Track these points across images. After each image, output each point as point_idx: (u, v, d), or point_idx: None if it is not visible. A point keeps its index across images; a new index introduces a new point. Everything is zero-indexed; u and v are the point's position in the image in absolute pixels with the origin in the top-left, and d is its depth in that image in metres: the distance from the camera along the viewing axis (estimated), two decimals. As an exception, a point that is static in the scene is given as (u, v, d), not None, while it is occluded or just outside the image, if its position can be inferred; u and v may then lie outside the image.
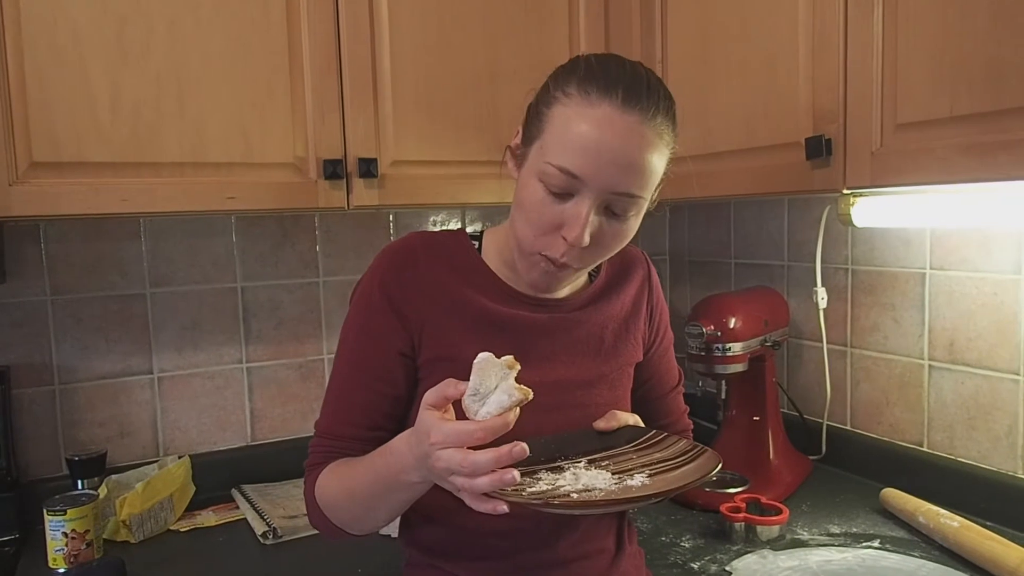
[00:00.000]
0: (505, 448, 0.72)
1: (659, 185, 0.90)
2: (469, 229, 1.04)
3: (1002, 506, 1.30)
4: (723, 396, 1.54)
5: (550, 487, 0.81)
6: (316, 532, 1.00)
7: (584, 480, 0.83)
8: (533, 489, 0.80)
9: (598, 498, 0.78)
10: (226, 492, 1.56)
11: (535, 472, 0.84)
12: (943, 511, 1.26)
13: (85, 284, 1.49)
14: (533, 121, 0.89)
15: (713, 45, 1.37)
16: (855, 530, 1.31)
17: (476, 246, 1.00)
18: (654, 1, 1.50)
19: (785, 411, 1.67)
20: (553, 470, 0.86)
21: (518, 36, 1.45)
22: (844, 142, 1.12)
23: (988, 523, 1.26)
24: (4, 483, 1.35)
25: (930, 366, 1.45)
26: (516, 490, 0.78)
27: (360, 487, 0.88)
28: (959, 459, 1.40)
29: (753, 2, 1.28)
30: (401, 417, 0.96)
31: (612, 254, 0.91)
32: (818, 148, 1.14)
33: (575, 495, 0.79)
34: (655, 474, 0.84)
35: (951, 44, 0.97)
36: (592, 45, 1.52)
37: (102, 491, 1.35)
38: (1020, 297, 1.30)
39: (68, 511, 1.22)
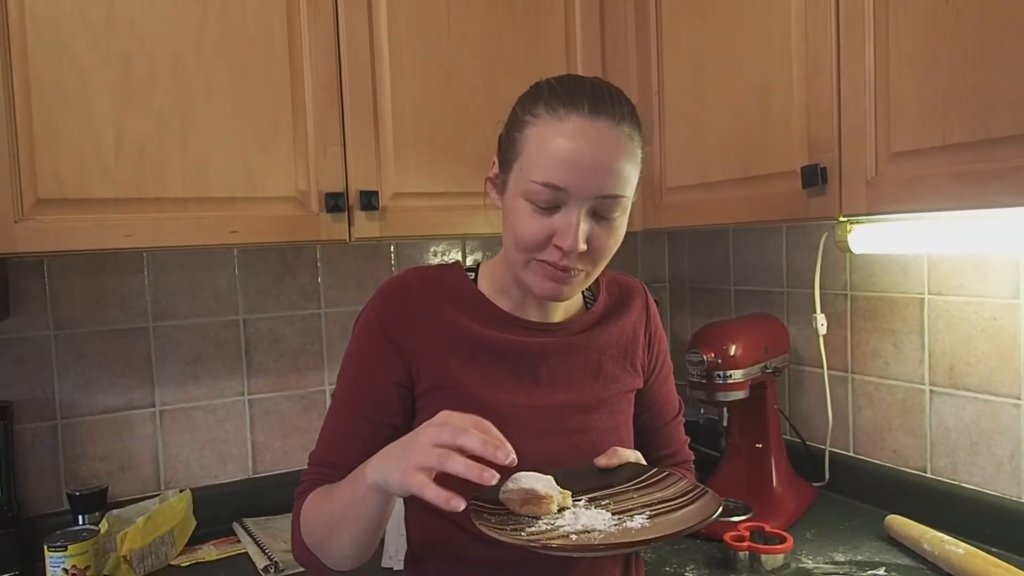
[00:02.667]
0: (498, 442, 0.73)
1: (637, 185, 0.93)
2: (469, 261, 1.06)
3: (1007, 532, 1.30)
4: (725, 424, 1.54)
5: (549, 527, 0.81)
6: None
7: (584, 520, 0.82)
8: (532, 528, 0.80)
9: (596, 542, 0.77)
10: (227, 526, 1.55)
11: None
12: (948, 538, 1.25)
13: (88, 319, 1.50)
14: (507, 148, 0.92)
15: (708, 76, 1.40)
16: (860, 558, 1.30)
17: (472, 277, 1.02)
18: (649, 34, 1.53)
19: (787, 438, 1.67)
20: None
21: (516, 71, 1.47)
22: (839, 170, 1.14)
23: (993, 549, 1.25)
24: (5, 519, 1.35)
25: (931, 391, 1.45)
26: (515, 530, 0.79)
27: (331, 505, 0.88)
28: (963, 485, 1.40)
29: (746, 33, 1.30)
30: None
31: (611, 254, 0.92)
32: (814, 177, 1.15)
33: (574, 536, 0.78)
34: (656, 515, 0.83)
35: (941, 74, 0.99)
36: (589, 78, 1.55)
37: (103, 526, 1.34)
38: (1019, 321, 1.30)
39: (69, 547, 1.22)
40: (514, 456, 0.73)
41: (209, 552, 1.44)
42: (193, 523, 1.49)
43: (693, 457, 1.14)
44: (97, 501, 1.42)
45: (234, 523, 1.56)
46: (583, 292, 1.06)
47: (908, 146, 1.04)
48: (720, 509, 0.82)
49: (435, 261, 1.80)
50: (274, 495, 1.62)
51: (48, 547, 1.22)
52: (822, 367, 1.63)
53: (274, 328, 1.66)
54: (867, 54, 1.09)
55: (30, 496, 1.45)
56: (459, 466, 0.72)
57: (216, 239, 1.26)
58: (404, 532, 1.04)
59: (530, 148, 0.88)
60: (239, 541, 1.48)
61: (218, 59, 1.25)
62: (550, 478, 0.85)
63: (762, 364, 1.52)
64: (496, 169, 0.96)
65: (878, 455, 1.56)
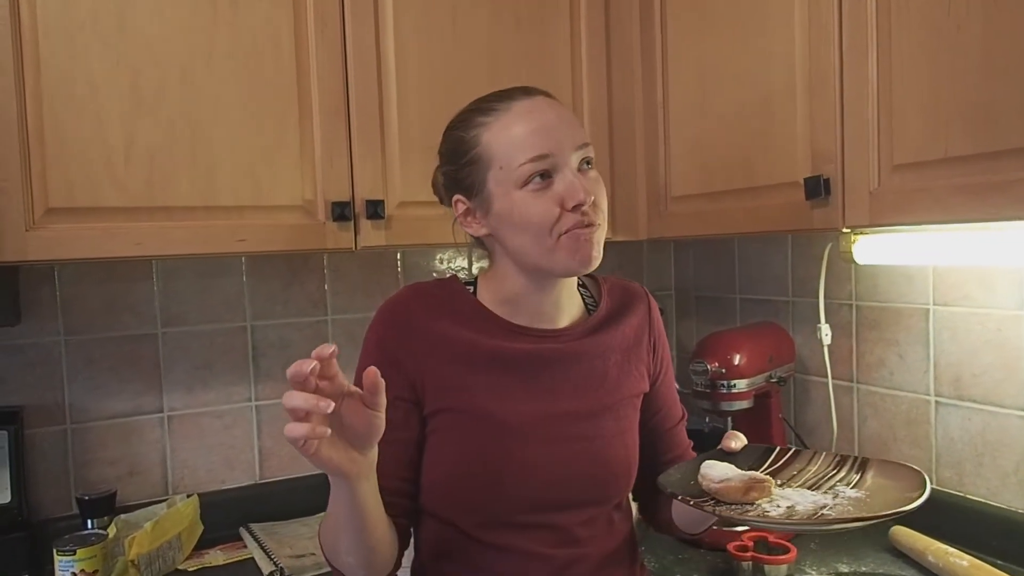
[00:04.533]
0: (319, 350, 0.75)
1: None
2: (475, 269, 1.07)
3: (1012, 544, 1.29)
4: (729, 433, 1.54)
5: (774, 509, 0.83)
6: (322, 572, 1.00)
7: (788, 500, 0.85)
8: (756, 512, 0.83)
9: (836, 515, 0.81)
10: (234, 531, 1.56)
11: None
12: (952, 550, 1.25)
13: (98, 325, 1.51)
14: (467, 173, 0.96)
15: (711, 87, 1.40)
16: (864, 569, 1.30)
17: (472, 291, 1.03)
18: (655, 46, 1.54)
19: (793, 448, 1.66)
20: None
21: (522, 82, 1.44)
22: (842, 182, 1.14)
23: (998, 562, 1.25)
24: (15, 522, 1.36)
25: (936, 402, 1.44)
26: (752, 514, 0.83)
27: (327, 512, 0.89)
28: (968, 496, 1.39)
29: (750, 45, 1.31)
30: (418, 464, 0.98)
31: (606, 206, 0.96)
32: (817, 188, 1.16)
33: (798, 515, 0.82)
34: (832, 488, 0.89)
35: (944, 86, 0.99)
36: (595, 91, 1.56)
37: (111, 530, 1.36)
38: (1024, 333, 1.30)
39: (78, 551, 1.23)
40: (328, 351, 0.75)
41: (216, 557, 1.45)
42: (200, 528, 1.50)
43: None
44: (106, 506, 1.44)
45: (241, 528, 1.57)
46: (584, 298, 1.08)
47: (911, 158, 1.04)
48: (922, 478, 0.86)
49: (441, 268, 1.81)
50: (281, 501, 1.63)
51: (57, 551, 1.23)
52: (827, 377, 1.63)
53: (282, 335, 1.67)
54: (870, 66, 1.09)
55: (40, 500, 1.47)
56: (299, 413, 0.74)
57: (224, 247, 1.28)
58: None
59: (497, 147, 0.93)
60: (246, 547, 1.49)
61: (227, 69, 1.26)
62: (731, 465, 0.90)
63: (767, 374, 1.52)
64: (462, 205, 0.98)
65: (883, 465, 1.55)
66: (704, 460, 0.94)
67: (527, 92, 0.95)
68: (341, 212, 1.34)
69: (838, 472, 0.94)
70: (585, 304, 1.07)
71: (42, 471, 1.47)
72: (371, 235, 1.37)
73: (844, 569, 1.30)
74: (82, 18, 1.16)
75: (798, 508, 0.84)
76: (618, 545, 1.04)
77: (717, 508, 0.84)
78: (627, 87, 1.58)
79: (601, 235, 0.94)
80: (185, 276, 1.58)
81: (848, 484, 0.90)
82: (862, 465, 0.94)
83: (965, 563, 1.20)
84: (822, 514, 0.82)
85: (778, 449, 1.00)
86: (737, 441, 0.99)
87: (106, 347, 1.52)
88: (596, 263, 0.95)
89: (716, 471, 0.88)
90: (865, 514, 0.80)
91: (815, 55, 1.18)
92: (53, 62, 1.15)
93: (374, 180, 1.37)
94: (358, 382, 0.96)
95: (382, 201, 1.37)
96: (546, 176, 0.91)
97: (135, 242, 1.21)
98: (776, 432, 1.55)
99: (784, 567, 1.27)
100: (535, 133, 0.91)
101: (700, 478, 0.90)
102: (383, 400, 0.78)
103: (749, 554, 1.28)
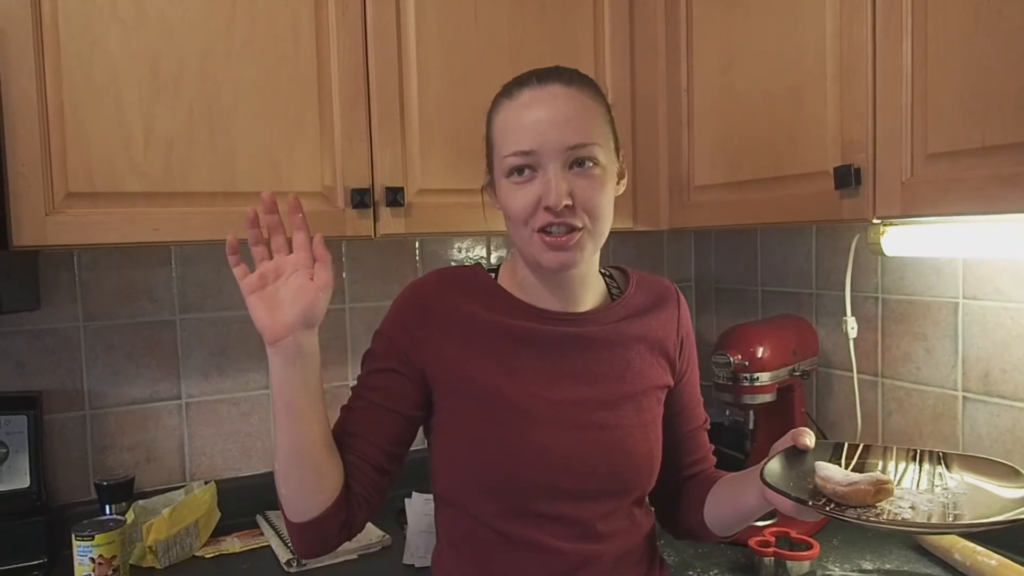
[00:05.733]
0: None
1: (616, 139, 0.98)
2: (493, 258, 1.07)
3: (1042, 544, 1.27)
4: (751, 426, 1.52)
5: (904, 509, 0.81)
6: (340, 560, 0.99)
7: (903, 501, 0.83)
8: (887, 515, 0.80)
9: (973, 519, 0.79)
10: (251, 518, 1.56)
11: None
12: (980, 548, 1.22)
13: (116, 310, 1.51)
14: (488, 149, 0.98)
15: (738, 73, 1.37)
16: (888, 567, 1.28)
17: (494, 277, 1.03)
18: (679, 30, 1.51)
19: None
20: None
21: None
22: (873, 171, 1.11)
23: (1027, 561, 1.22)
24: (34, 507, 1.37)
25: (964, 398, 1.41)
26: (885, 517, 0.80)
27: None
28: (996, 494, 1.36)
29: (778, 29, 1.28)
30: (409, 442, 0.98)
31: (606, 211, 0.94)
32: (847, 178, 1.13)
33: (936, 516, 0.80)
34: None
35: (982, 73, 0.96)
36: (618, 76, 1.53)
37: (129, 516, 1.36)
38: (1057, 328, 1.27)
39: (96, 536, 1.23)
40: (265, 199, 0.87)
41: (233, 544, 1.45)
42: (217, 515, 1.50)
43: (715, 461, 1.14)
44: (124, 491, 1.44)
45: (257, 516, 1.57)
46: (608, 284, 1.06)
47: (945, 147, 1.01)
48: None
49: (460, 257, 1.80)
50: (297, 489, 1.63)
51: (76, 536, 1.24)
52: (851, 371, 1.60)
53: (299, 322, 1.66)
54: (904, 52, 1.06)
55: (58, 485, 1.47)
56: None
57: (243, 234, 1.26)
58: (428, 530, 1.04)
59: (497, 133, 0.95)
60: (262, 534, 1.49)
61: (246, 55, 1.25)
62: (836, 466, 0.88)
63: (790, 367, 1.49)
64: (487, 176, 1.01)
65: (908, 461, 1.53)
66: (778, 460, 0.90)
67: (541, 80, 0.94)
68: (361, 199, 1.32)
69: (922, 466, 0.91)
70: (610, 293, 1.06)
71: (61, 456, 1.48)
72: (390, 223, 1.36)
73: (868, 566, 1.28)
74: (101, 2, 1.15)
75: (921, 508, 0.80)
76: (639, 543, 1.02)
77: (860, 514, 0.80)
78: (650, 73, 1.55)
79: (586, 238, 0.92)
80: (203, 262, 1.58)
81: (942, 479, 0.87)
82: (942, 458, 0.91)
83: (994, 562, 1.18)
84: (955, 515, 0.79)
85: (847, 444, 0.96)
86: (810, 438, 0.93)
87: (124, 333, 1.52)
88: (575, 266, 0.94)
89: (835, 472, 0.84)
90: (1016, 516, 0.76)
91: (847, 40, 1.15)
92: (73, 46, 1.14)
93: (394, 167, 1.36)
94: (372, 346, 0.99)
95: (402, 188, 1.35)
96: (529, 171, 0.91)
97: (153, 228, 1.20)
98: (799, 426, 1.53)
99: (807, 563, 1.25)
100: (523, 128, 0.91)
101: (821, 480, 0.85)
102: (325, 274, 0.86)
103: (771, 549, 1.26)
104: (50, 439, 1.46)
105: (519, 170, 0.92)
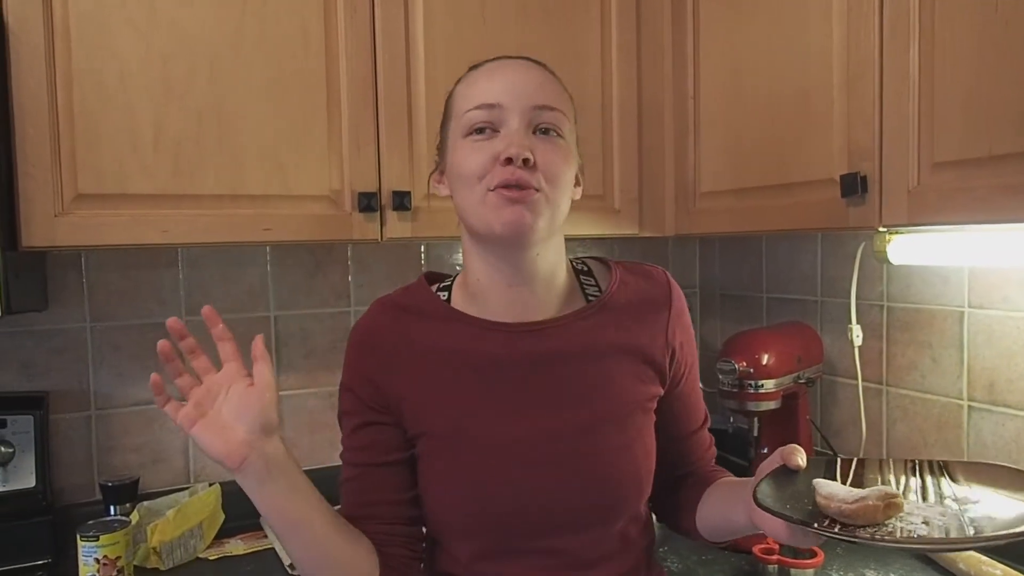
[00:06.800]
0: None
1: (577, 147, 0.92)
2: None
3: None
4: (755, 433, 1.52)
5: (918, 525, 0.76)
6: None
7: (914, 517, 0.77)
8: (895, 532, 0.75)
9: (985, 532, 0.73)
10: (254, 521, 1.56)
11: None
12: (985, 558, 1.22)
13: (123, 312, 1.52)
14: (442, 133, 0.93)
15: (745, 80, 1.38)
16: (893, 575, 1.27)
17: (446, 297, 0.96)
18: (686, 37, 1.51)
19: (819, 449, 1.64)
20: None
21: None
22: (880, 179, 1.11)
23: (1033, 572, 1.22)
24: (39, 507, 1.37)
25: (969, 407, 1.41)
26: (895, 535, 0.74)
27: None
28: (1001, 504, 1.36)
29: (785, 36, 1.28)
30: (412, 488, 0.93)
31: (565, 179, 0.87)
32: (853, 185, 1.13)
33: (953, 532, 0.75)
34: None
35: (989, 81, 0.96)
36: (625, 82, 1.53)
37: (134, 517, 1.36)
38: (1063, 338, 1.26)
39: (101, 537, 1.23)
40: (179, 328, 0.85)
41: (237, 546, 1.45)
42: (222, 517, 1.51)
43: (715, 453, 1.07)
44: (129, 492, 1.44)
45: (261, 519, 1.57)
46: (583, 282, 0.97)
47: (953, 156, 1.01)
48: None
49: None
50: (301, 491, 1.63)
51: (80, 536, 1.24)
52: (856, 379, 1.60)
53: (304, 325, 1.67)
54: (911, 60, 1.06)
55: (64, 485, 1.48)
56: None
57: (250, 236, 1.28)
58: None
59: (456, 99, 0.90)
60: (266, 536, 1.49)
61: (255, 58, 1.26)
62: (836, 483, 0.81)
63: (795, 374, 1.49)
64: (435, 165, 0.95)
65: (912, 470, 1.52)
66: (768, 482, 0.82)
67: (507, 57, 0.91)
68: (368, 203, 1.33)
69: (924, 478, 0.85)
70: (586, 295, 0.95)
71: (66, 457, 1.48)
72: (397, 227, 1.36)
73: (872, 575, 1.28)
74: (113, 4, 1.16)
75: (936, 523, 0.75)
76: (635, 563, 0.95)
77: (874, 534, 0.74)
78: (657, 79, 1.56)
79: (542, 203, 0.84)
80: (210, 265, 1.59)
81: (949, 490, 0.82)
82: (944, 468, 0.86)
83: (998, 573, 1.17)
84: (975, 528, 0.73)
85: (840, 459, 0.89)
86: (802, 457, 0.83)
87: (131, 334, 1.53)
88: (529, 232, 0.84)
89: (838, 490, 0.78)
90: None
91: (854, 47, 1.15)
92: (84, 48, 1.15)
93: (401, 171, 1.36)
94: (341, 404, 0.94)
95: (409, 193, 1.36)
96: (491, 131, 0.85)
97: (162, 229, 1.21)
98: (803, 434, 1.53)
99: (811, 571, 1.25)
100: (488, 83, 0.87)
101: (823, 499, 0.77)
102: (266, 373, 0.81)
103: (775, 557, 1.26)
104: (56, 439, 1.46)
105: (480, 129, 0.85)
